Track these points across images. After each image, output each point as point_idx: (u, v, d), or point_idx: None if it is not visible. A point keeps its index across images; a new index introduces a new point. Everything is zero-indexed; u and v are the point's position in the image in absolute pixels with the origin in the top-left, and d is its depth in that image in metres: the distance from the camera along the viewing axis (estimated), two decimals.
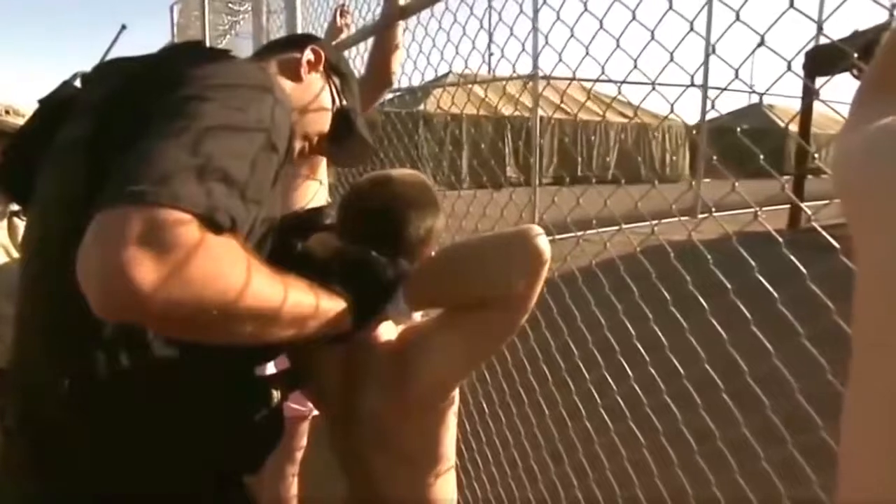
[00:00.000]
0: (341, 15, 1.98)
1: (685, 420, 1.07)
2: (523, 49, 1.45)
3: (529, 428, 1.54)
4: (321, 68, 0.98)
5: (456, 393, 0.93)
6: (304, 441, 1.78)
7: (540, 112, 6.14)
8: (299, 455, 1.76)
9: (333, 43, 1.96)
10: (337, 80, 1.00)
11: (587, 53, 1.21)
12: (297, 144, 0.96)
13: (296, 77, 0.94)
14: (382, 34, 1.59)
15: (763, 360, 0.90)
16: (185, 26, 6.50)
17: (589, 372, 1.35)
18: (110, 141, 0.63)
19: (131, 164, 0.56)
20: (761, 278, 0.88)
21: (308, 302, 0.67)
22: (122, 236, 0.51)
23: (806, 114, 7.00)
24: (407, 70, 1.83)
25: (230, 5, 4.83)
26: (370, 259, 0.78)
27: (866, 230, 0.47)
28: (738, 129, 1.13)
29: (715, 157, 1.13)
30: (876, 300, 0.44)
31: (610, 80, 1.26)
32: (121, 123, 0.64)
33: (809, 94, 6.36)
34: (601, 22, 1.14)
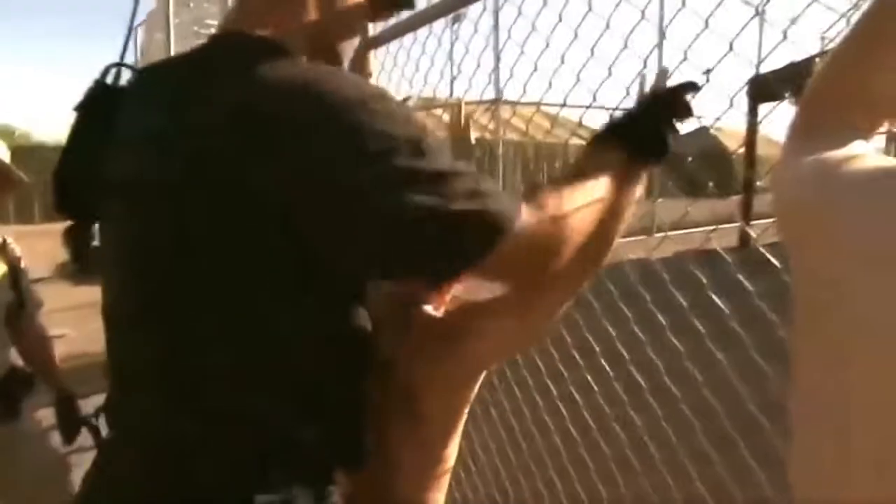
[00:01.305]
0: None
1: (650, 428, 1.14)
2: (490, 81, 1.52)
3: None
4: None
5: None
6: None
7: (506, 136, 6.28)
8: None
9: None
10: None
11: (550, 85, 1.28)
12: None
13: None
14: (353, 64, 1.63)
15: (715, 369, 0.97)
16: (147, 49, 6.45)
17: (558, 385, 1.41)
18: (214, 190, 0.65)
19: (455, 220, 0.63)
20: (713, 295, 0.95)
21: (607, 189, 0.78)
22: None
23: (750, 138, 7.35)
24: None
25: (195, 28, 4.85)
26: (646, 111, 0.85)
27: (795, 248, 0.55)
28: (689, 158, 1.20)
29: (670, 183, 1.20)
30: (799, 310, 0.51)
31: (570, 106, 1.33)
32: (237, 174, 0.64)
33: (754, 120, 6.73)
34: (563, 57, 1.21)
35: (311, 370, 0.76)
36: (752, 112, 6.85)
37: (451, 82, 1.79)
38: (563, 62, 1.21)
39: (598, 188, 0.78)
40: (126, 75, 0.87)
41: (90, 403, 2.72)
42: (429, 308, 0.99)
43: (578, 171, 0.82)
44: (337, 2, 0.81)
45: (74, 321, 5.49)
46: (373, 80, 1.64)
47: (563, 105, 1.34)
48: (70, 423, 1.91)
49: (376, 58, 1.68)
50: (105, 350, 0.82)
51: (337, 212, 0.64)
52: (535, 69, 1.29)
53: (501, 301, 0.93)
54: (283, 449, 0.74)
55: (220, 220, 0.67)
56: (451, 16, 1.54)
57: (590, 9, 1.14)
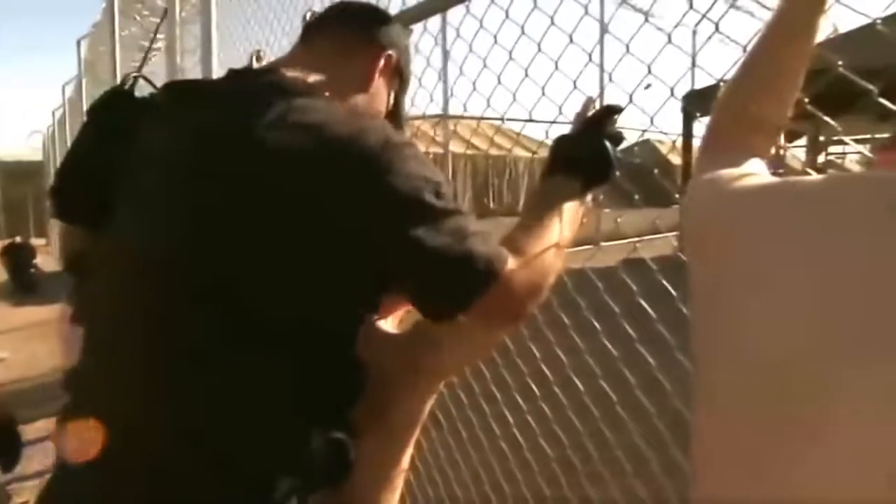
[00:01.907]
0: (257, 60, 2.02)
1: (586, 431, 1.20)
2: (432, 100, 1.57)
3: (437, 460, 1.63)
4: (388, 71, 0.92)
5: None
6: None
7: (454, 149, 6.36)
8: None
9: None
10: (397, 84, 0.96)
11: (494, 90, 1.34)
12: None
13: (365, 86, 0.88)
14: None
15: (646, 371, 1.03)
16: (93, 62, 6.28)
17: (501, 391, 1.46)
18: (255, 221, 0.70)
19: (451, 265, 0.70)
20: (642, 301, 1.02)
21: (561, 217, 0.83)
22: (512, 302, 0.74)
23: (686, 150, 7.76)
24: None
25: (141, 42, 4.75)
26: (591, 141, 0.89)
27: (690, 259, 0.61)
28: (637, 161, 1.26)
29: (636, 196, 1.26)
30: (693, 317, 0.58)
31: (514, 119, 1.40)
32: (277, 209, 0.70)
33: (688, 132, 7.18)
34: (511, 55, 1.26)
35: (322, 392, 0.78)
36: (687, 125, 7.31)
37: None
38: (499, 82, 1.26)
39: (559, 221, 0.84)
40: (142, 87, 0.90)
41: (31, 429, 2.63)
42: (382, 322, 1.04)
43: (543, 207, 0.86)
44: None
45: (13, 343, 5.29)
46: None
47: (503, 119, 1.40)
48: (10, 449, 1.85)
49: None
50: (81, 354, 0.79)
51: (372, 240, 0.71)
52: (474, 89, 1.35)
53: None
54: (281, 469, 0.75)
55: (256, 247, 0.71)
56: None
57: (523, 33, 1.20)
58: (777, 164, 1.05)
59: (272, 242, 0.71)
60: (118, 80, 3.54)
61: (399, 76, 0.95)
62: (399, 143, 0.72)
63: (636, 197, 1.10)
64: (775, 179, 0.61)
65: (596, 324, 1.14)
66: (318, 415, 0.78)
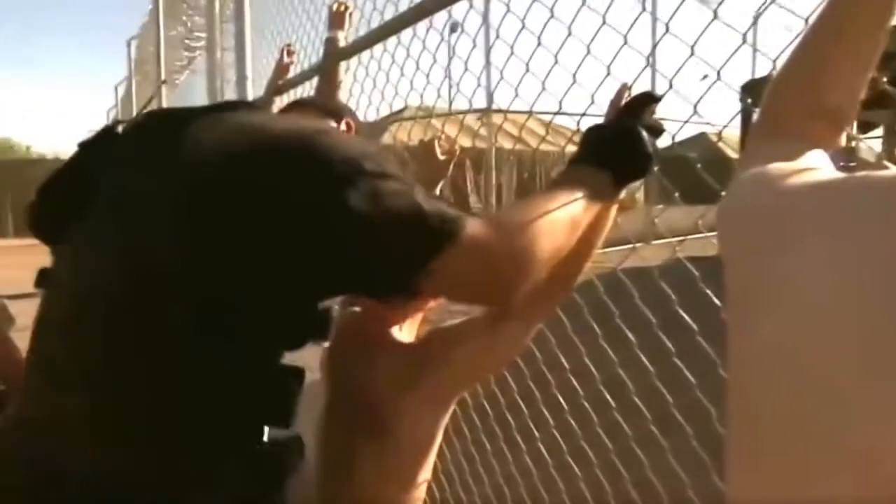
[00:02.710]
0: (288, 54, 2.02)
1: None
2: (478, 85, 1.49)
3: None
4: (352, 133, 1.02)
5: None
6: None
7: (499, 144, 6.24)
8: None
9: (280, 82, 1.99)
10: None
11: (543, 87, 1.24)
12: None
13: None
14: (325, 73, 1.62)
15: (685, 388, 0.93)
16: (143, 61, 6.46)
17: (528, 404, 1.37)
18: (223, 215, 0.69)
19: (411, 229, 0.67)
20: (680, 310, 0.92)
21: (580, 202, 0.76)
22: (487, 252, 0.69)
23: (744, 144, 7.35)
24: (361, 105, 1.86)
25: (186, 41, 4.83)
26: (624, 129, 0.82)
27: (730, 260, 0.52)
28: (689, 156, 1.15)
29: (677, 194, 1.16)
30: (729, 324, 0.48)
31: (565, 113, 1.30)
32: (243, 208, 0.69)
33: (746, 125, 6.69)
34: (556, 56, 1.17)
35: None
36: (746, 118, 6.88)
37: (449, 92, 1.75)
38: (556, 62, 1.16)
39: (567, 203, 0.76)
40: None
41: None
42: (396, 330, 0.99)
43: (550, 187, 0.80)
44: None
45: None
46: (344, 91, 1.62)
47: (558, 112, 1.30)
48: None
49: (349, 68, 1.66)
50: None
51: (301, 223, 0.68)
52: (527, 70, 1.24)
53: (470, 328, 0.94)
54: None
55: (212, 242, 0.70)
56: (448, 25, 1.52)
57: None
58: (847, 158, 0.92)
59: (226, 238, 0.69)
60: (163, 79, 3.59)
61: (357, 135, 1.03)
62: (335, 129, 0.76)
63: (676, 194, 1.00)
64: (839, 174, 0.51)
65: (630, 334, 1.03)
66: (263, 416, 0.77)
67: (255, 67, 2.59)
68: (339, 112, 1.04)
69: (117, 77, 7.14)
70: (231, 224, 0.69)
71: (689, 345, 0.91)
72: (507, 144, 9.47)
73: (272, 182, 0.69)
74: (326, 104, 1.10)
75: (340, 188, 0.67)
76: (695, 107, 0.92)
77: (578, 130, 0.95)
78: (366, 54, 1.61)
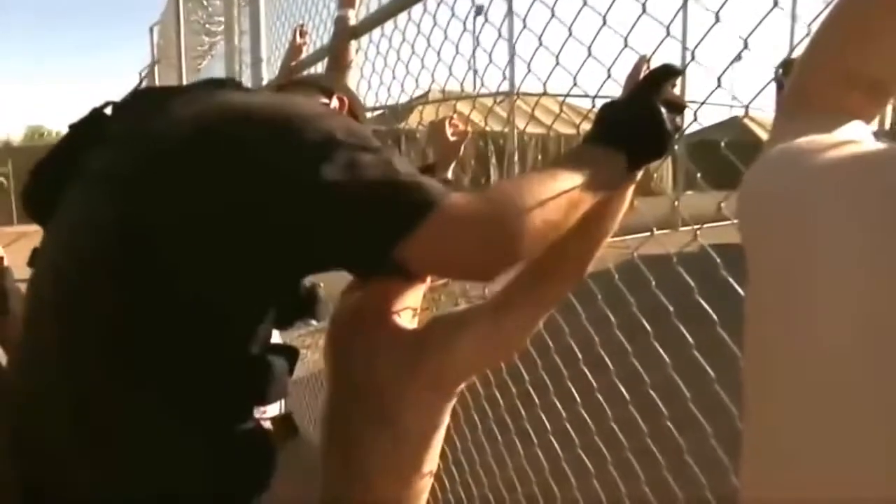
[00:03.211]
0: (300, 35, 1.98)
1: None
2: (504, 76, 1.43)
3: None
4: (343, 114, 0.99)
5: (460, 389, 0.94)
6: None
7: (521, 127, 6.14)
8: None
9: (293, 63, 1.95)
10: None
11: (557, 63, 1.17)
12: None
13: None
14: (335, 54, 1.57)
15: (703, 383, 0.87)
16: (166, 47, 6.49)
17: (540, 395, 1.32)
18: (172, 185, 0.68)
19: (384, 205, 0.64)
20: (700, 300, 0.86)
21: (585, 176, 0.71)
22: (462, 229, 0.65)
23: None
24: (374, 86, 1.81)
25: (207, 25, 4.82)
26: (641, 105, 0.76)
27: (753, 245, 0.46)
28: (721, 142, 1.08)
29: (700, 175, 1.09)
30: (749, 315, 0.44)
31: (586, 95, 1.23)
32: (198, 174, 0.67)
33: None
34: (570, 29, 1.10)
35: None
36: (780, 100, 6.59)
37: (474, 75, 1.69)
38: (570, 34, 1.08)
39: (568, 180, 0.70)
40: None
41: None
42: (397, 318, 0.96)
43: (551, 164, 0.75)
44: None
45: None
46: (355, 70, 1.57)
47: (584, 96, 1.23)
48: None
49: (360, 47, 1.61)
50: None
51: (270, 197, 0.65)
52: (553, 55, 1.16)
53: (474, 314, 0.90)
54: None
55: (184, 226, 0.68)
56: (472, 7, 1.46)
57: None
58: (891, 138, 0.84)
59: (195, 211, 0.67)
60: (184, 65, 3.59)
61: (351, 115, 0.99)
62: (313, 103, 0.73)
63: (699, 176, 0.93)
64: (882, 147, 0.44)
65: (647, 325, 0.97)
66: (231, 408, 0.75)
67: (271, 49, 2.56)
68: (330, 89, 1.00)
69: (143, 63, 7.21)
70: (200, 197, 0.67)
71: (710, 336, 0.85)
72: (532, 128, 9.33)
73: (243, 155, 0.66)
74: (318, 81, 1.06)
75: (314, 160, 0.64)
76: (719, 79, 0.85)
77: (592, 109, 0.89)
78: (384, 35, 1.56)
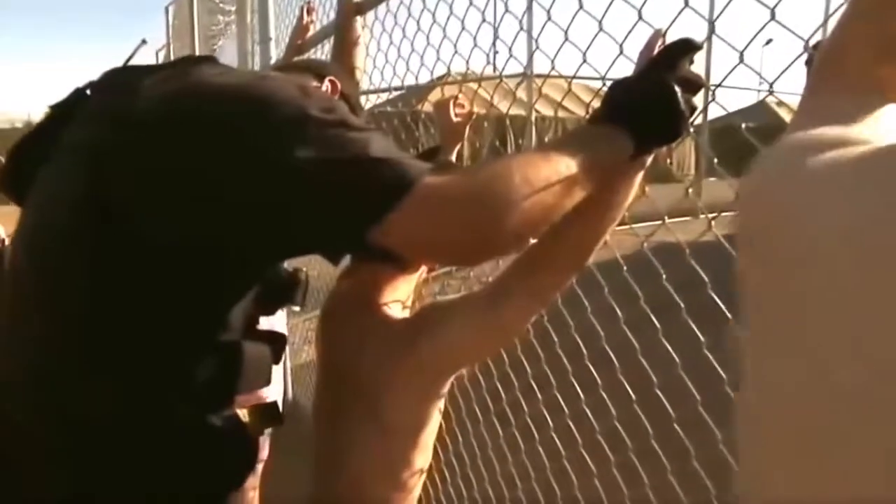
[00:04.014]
0: (307, 13, 1.93)
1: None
2: (515, 57, 1.36)
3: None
4: (336, 97, 0.95)
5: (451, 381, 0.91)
6: (265, 452, 1.77)
7: (541, 111, 6.02)
8: (260, 467, 1.72)
9: (299, 42, 1.90)
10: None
11: (566, 39, 1.11)
12: None
13: None
14: (340, 32, 1.52)
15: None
16: (181, 27, 6.45)
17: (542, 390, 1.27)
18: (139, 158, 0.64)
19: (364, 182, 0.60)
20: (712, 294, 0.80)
21: (585, 154, 0.66)
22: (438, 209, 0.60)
23: None
24: (400, 69, 1.75)
25: (221, 5, 4.77)
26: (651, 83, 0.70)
27: (747, 244, 0.41)
28: (744, 126, 1.01)
29: (716, 160, 1.04)
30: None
31: (602, 78, 1.17)
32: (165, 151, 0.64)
33: None
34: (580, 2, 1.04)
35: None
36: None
37: (493, 54, 1.62)
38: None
39: (565, 160, 0.65)
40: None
41: None
42: (387, 308, 0.91)
43: (550, 143, 0.70)
44: None
45: None
46: (362, 48, 1.51)
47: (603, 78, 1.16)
48: None
49: (366, 26, 1.56)
50: None
51: (236, 180, 0.62)
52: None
53: (468, 302, 0.86)
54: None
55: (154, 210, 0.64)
56: None
57: None
58: None
59: (160, 192, 0.64)
60: (198, 46, 3.57)
61: (346, 102, 0.92)
62: (285, 80, 0.68)
63: (715, 161, 0.87)
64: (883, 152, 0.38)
65: (655, 321, 0.92)
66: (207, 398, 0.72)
67: (280, 28, 2.51)
68: (322, 70, 0.94)
69: (159, 44, 7.19)
70: (170, 176, 0.63)
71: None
72: (550, 111, 9.19)
73: (215, 133, 0.62)
74: (312, 64, 1.01)
75: (286, 139, 0.60)
76: (741, 54, 0.78)
77: (602, 88, 0.83)
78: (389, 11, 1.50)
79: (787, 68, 0.81)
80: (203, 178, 0.62)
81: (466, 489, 1.47)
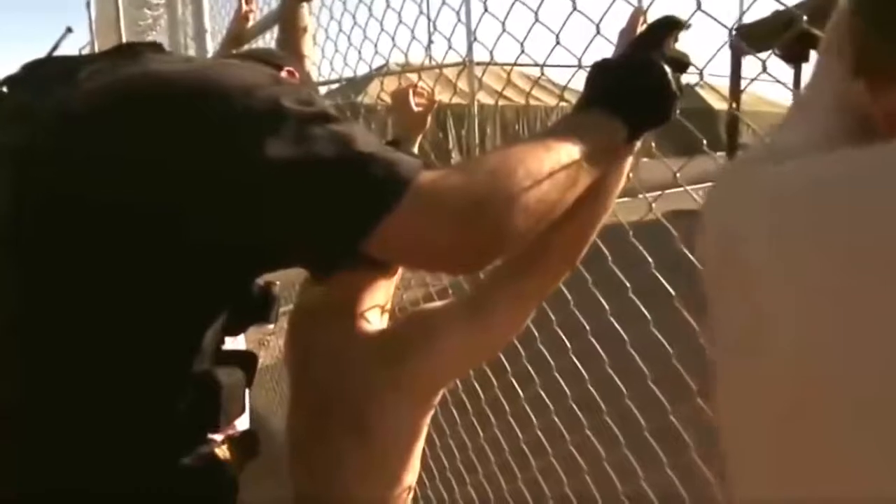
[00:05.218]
0: (246, 2, 1.82)
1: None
2: (451, 46, 1.31)
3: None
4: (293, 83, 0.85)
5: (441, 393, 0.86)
6: None
7: (482, 100, 5.98)
8: None
9: (236, 33, 1.80)
10: None
11: (538, 20, 1.07)
12: None
13: None
14: (286, 19, 1.43)
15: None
16: (105, 23, 6.10)
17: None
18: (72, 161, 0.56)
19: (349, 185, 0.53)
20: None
21: (579, 147, 0.61)
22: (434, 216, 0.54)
23: (734, 94, 7.01)
24: (351, 58, 1.68)
25: None
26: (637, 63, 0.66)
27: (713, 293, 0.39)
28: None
29: (654, 144, 1.03)
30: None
31: (538, 64, 1.14)
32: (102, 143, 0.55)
33: (737, 74, 6.29)
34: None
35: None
36: (736, 67, 6.50)
37: (427, 43, 1.56)
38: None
39: (562, 153, 0.60)
40: None
41: None
42: (369, 315, 0.85)
43: (542, 134, 0.65)
44: None
45: None
46: (309, 36, 1.43)
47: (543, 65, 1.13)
48: None
49: (311, 13, 1.47)
50: None
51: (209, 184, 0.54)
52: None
53: (454, 312, 0.80)
54: None
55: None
56: None
57: None
58: None
59: (115, 209, 0.55)
60: (124, 41, 3.36)
61: None
62: (246, 66, 0.61)
63: (652, 145, 0.86)
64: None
65: (644, 310, 0.90)
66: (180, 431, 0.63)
67: (216, 19, 2.39)
68: (278, 61, 0.86)
69: (80, 42, 6.77)
70: (114, 182, 0.55)
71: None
72: (490, 100, 9.20)
73: (166, 130, 0.54)
74: (264, 54, 0.93)
75: (256, 134, 0.53)
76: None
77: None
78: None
79: (714, 55, 0.82)
80: (155, 183, 0.54)
81: (447, 491, 1.43)
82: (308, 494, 0.88)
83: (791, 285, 0.32)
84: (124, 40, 4.58)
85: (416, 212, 0.54)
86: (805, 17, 0.63)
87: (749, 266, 0.34)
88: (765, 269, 0.33)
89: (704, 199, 0.42)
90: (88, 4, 5.96)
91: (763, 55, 0.77)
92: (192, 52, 2.81)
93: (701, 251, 0.41)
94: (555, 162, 0.58)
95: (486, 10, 1.10)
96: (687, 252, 0.82)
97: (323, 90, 2.70)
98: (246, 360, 0.74)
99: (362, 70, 1.73)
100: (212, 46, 2.30)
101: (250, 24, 1.80)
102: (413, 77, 1.57)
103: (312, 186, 0.53)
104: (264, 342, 2.99)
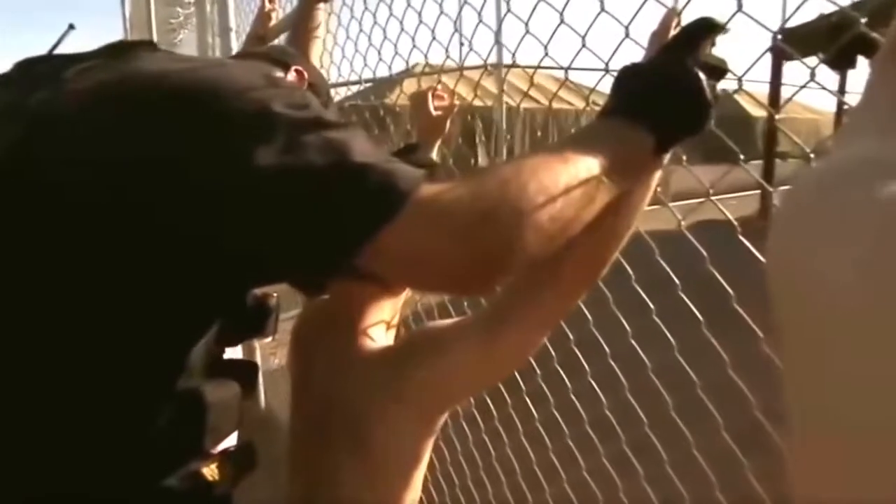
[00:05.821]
0: (269, 0, 1.81)
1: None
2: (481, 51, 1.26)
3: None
4: (302, 87, 0.83)
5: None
6: None
7: (509, 101, 5.91)
8: None
9: (261, 32, 1.79)
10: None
11: (562, 21, 1.02)
12: None
13: None
14: (298, 18, 1.40)
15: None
16: (138, 21, 6.21)
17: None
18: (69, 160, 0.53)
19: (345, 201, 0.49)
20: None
21: (600, 159, 0.55)
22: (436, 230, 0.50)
23: (774, 100, 6.81)
24: (370, 61, 1.65)
25: None
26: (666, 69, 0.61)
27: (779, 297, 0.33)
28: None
29: (685, 157, 0.97)
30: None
31: (566, 67, 1.09)
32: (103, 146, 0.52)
33: (777, 80, 6.10)
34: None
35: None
36: (776, 72, 6.30)
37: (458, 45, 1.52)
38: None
39: (582, 164, 0.55)
40: None
41: None
42: (373, 331, 0.81)
43: (561, 143, 0.59)
44: None
45: None
46: (319, 42, 1.40)
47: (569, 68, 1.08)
48: None
49: (332, 10, 1.44)
50: None
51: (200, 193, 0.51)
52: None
53: (463, 330, 0.75)
54: None
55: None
56: None
57: None
58: None
59: (98, 215, 0.52)
60: (156, 39, 3.41)
61: (313, 92, 0.80)
62: (243, 66, 0.58)
63: (683, 158, 0.80)
64: None
65: (667, 333, 0.84)
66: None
67: (241, 17, 2.38)
68: (285, 58, 0.83)
69: (117, 37, 6.91)
70: (98, 187, 0.51)
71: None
72: (523, 103, 9.12)
73: (154, 133, 0.51)
74: (277, 53, 0.89)
75: (245, 140, 0.49)
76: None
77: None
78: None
79: (756, 60, 0.76)
80: (141, 182, 0.51)
81: (448, 486, 1.39)
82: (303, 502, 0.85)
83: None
84: (156, 38, 4.64)
85: (414, 226, 0.49)
86: (863, 20, 0.57)
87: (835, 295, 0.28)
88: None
89: (779, 207, 0.37)
90: (123, 3, 6.06)
91: (809, 61, 0.71)
92: (217, 49, 2.82)
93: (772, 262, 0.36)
94: (572, 176, 0.53)
95: (508, 10, 1.05)
96: (714, 272, 0.76)
97: (353, 90, 2.68)
98: (245, 371, 0.71)
99: (386, 72, 1.70)
100: (236, 44, 2.29)
101: (272, 22, 1.79)
102: (446, 80, 1.52)
103: (299, 197, 0.49)
104: (281, 342, 2.98)
